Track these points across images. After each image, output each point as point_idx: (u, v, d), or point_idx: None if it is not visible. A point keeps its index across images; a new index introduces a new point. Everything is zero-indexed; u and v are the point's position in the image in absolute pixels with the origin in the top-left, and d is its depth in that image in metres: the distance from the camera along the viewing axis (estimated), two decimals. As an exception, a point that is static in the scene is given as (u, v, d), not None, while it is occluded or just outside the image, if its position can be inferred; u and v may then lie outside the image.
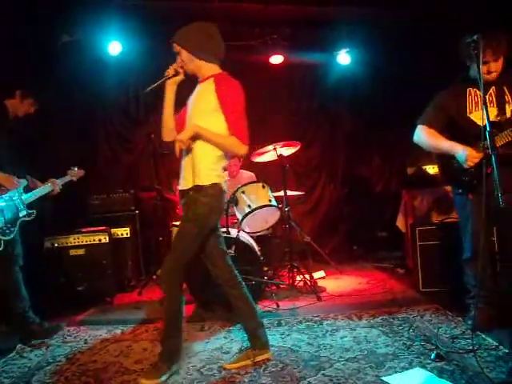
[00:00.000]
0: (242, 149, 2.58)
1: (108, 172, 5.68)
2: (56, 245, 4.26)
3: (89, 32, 4.99)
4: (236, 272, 2.78)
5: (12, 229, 3.35)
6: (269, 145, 4.43)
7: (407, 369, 2.51)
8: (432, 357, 2.61)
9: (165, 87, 2.69)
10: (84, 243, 4.31)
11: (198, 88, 2.72)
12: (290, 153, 4.62)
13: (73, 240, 4.30)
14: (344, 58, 5.74)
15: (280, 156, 4.46)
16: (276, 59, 5.64)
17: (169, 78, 2.66)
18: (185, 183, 2.65)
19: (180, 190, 2.71)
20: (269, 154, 4.55)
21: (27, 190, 3.57)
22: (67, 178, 3.94)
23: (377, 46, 5.42)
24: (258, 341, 2.78)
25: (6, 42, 4.12)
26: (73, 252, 4.29)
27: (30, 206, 3.54)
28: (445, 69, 3.60)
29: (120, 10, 4.80)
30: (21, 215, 3.46)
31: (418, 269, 4.03)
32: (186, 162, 2.65)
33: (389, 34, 5.25)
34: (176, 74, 2.66)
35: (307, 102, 6.15)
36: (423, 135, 3.10)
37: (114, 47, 5.17)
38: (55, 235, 4.28)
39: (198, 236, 2.60)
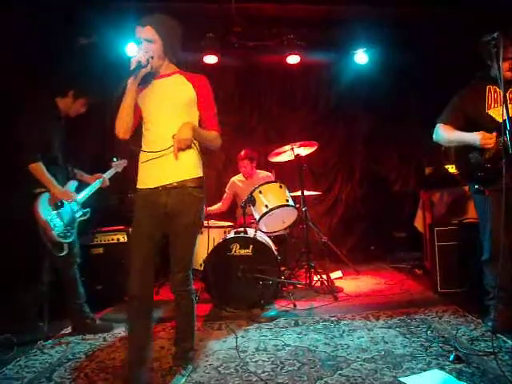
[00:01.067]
0: (220, 142, 2.61)
1: (125, 172, 5.72)
2: (76, 244, 4.31)
3: (106, 34, 5.04)
4: None
5: (72, 231, 3.46)
6: (286, 145, 4.44)
7: (425, 370, 2.49)
8: (451, 358, 2.58)
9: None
10: (103, 242, 4.37)
11: (160, 83, 2.53)
12: (308, 153, 4.62)
13: (92, 239, 4.35)
14: (361, 57, 5.71)
15: (297, 156, 4.47)
16: (293, 59, 5.63)
17: (135, 70, 2.39)
18: (171, 177, 2.49)
19: (158, 187, 2.49)
20: (286, 154, 4.56)
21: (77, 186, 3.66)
22: (113, 171, 4.01)
23: (394, 44, 5.39)
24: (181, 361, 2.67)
25: (27, 41, 4.20)
26: (93, 251, 4.33)
27: (83, 204, 3.65)
28: (463, 67, 3.57)
29: (137, 12, 4.84)
30: (77, 216, 3.57)
31: (437, 269, 4.00)
32: (169, 157, 2.46)
33: (406, 33, 5.21)
34: (144, 64, 2.40)
35: (324, 102, 6.15)
36: (441, 132, 3.12)
37: (132, 48, 5.21)
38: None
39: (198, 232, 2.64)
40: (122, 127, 2.48)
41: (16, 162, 3.31)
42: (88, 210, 3.69)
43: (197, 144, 2.51)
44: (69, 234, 3.40)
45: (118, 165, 4.07)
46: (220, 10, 5.04)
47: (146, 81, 2.51)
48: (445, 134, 3.10)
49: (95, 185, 3.78)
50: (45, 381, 2.66)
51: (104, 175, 3.87)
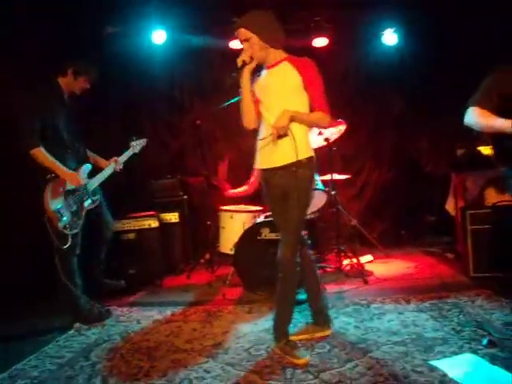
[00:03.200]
0: (327, 121, 2.78)
1: (155, 158, 5.80)
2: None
3: (133, 21, 5.08)
4: None
5: (78, 222, 3.35)
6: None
7: (457, 354, 2.48)
8: (484, 343, 2.55)
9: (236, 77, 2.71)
10: (134, 228, 4.46)
11: (270, 72, 2.76)
12: (336, 137, 4.55)
13: (123, 225, 4.45)
14: (390, 37, 5.56)
15: (327, 140, 4.42)
16: (320, 42, 5.55)
17: (242, 68, 2.67)
18: (273, 162, 2.72)
19: (266, 169, 2.78)
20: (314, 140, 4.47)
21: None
22: (130, 152, 3.91)
23: (424, 25, 5.22)
24: (321, 317, 2.97)
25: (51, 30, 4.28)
26: (124, 236, 4.43)
27: (93, 192, 3.57)
28: (498, 48, 3.46)
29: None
30: (86, 205, 3.46)
31: (469, 253, 3.93)
32: (271, 143, 2.69)
33: (437, 13, 5.05)
34: (248, 62, 2.67)
35: (353, 85, 6.02)
36: (475, 116, 2.98)
37: (159, 36, 5.23)
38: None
39: (305, 209, 2.79)
40: (246, 119, 2.79)
41: (17, 150, 3.31)
42: (97, 197, 3.59)
43: (292, 130, 2.63)
44: (75, 225, 3.32)
45: (136, 145, 3.97)
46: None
47: (258, 72, 2.79)
48: (481, 119, 2.93)
49: (107, 171, 3.69)
50: (83, 360, 2.79)
51: (119, 159, 3.78)
